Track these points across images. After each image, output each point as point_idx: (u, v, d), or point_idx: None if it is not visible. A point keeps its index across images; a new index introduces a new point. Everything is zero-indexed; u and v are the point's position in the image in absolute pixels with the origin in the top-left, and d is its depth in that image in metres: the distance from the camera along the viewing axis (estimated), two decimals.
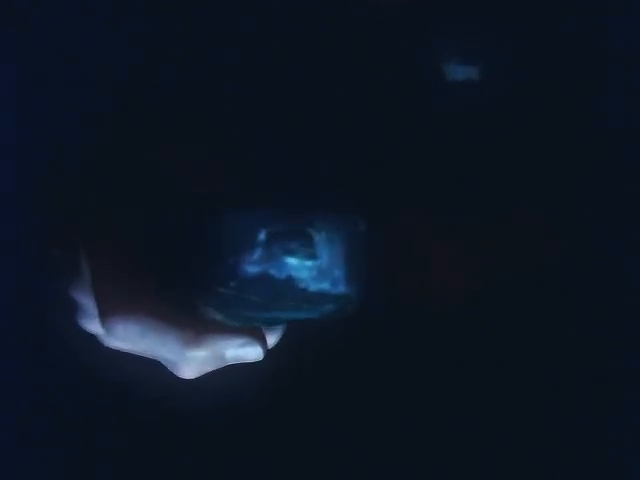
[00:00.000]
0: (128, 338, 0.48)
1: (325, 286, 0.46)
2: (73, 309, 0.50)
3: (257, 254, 0.46)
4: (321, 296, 0.47)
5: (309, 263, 0.46)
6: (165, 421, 0.62)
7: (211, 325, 0.48)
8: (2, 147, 0.58)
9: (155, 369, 0.49)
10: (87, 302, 0.50)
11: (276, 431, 0.63)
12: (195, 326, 0.48)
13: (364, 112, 0.59)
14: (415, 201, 0.61)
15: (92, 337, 0.50)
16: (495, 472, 0.63)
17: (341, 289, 0.47)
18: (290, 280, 0.46)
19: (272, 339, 0.50)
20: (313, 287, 0.46)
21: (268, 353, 0.49)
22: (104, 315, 0.48)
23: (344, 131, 0.59)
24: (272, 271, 0.46)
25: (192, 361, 0.48)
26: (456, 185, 0.61)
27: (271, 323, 0.49)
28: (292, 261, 0.46)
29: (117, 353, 0.50)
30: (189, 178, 0.52)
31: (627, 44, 0.60)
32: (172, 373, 0.49)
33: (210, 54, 0.58)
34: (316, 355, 0.61)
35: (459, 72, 0.59)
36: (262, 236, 0.46)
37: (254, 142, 0.57)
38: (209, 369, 0.49)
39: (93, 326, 0.50)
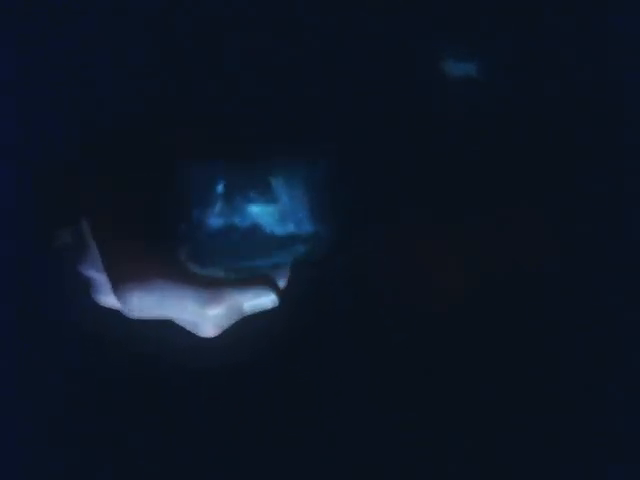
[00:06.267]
0: (145, 307, 0.49)
1: (290, 228, 0.48)
2: (88, 286, 0.51)
3: (218, 206, 0.47)
4: (289, 238, 0.48)
5: (271, 208, 0.47)
6: (192, 380, 0.62)
7: (224, 281, 0.48)
8: (3, 118, 0.58)
9: (177, 331, 0.50)
10: (99, 277, 0.50)
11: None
12: (209, 284, 0.48)
13: (364, 112, 0.59)
14: (415, 201, 0.61)
15: (111, 310, 0.51)
16: (495, 472, 0.63)
17: (307, 228, 0.48)
18: (255, 227, 0.47)
19: (281, 283, 0.51)
20: (279, 231, 0.47)
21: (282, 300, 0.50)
22: (118, 288, 0.49)
23: (343, 131, 0.59)
24: (236, 221, 0.47)
25: (212, 319, 0.49)
26: (456, 185, 0.61)
27: (248, 273, 0.50)
28: (254, 208, 0.47)
29: (137, 321, 0.50)
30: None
31: (627, 42, 0.60)
32: (193, 333, 0.49)
33: (213, 45, 0.58)
34: (314, 355, 0.61)
35: (458, 70, 0.60)
36: (220, 188, 0.47)
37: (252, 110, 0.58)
38: (229, 324, 0.49)
39: (110, 300, 0.50)
